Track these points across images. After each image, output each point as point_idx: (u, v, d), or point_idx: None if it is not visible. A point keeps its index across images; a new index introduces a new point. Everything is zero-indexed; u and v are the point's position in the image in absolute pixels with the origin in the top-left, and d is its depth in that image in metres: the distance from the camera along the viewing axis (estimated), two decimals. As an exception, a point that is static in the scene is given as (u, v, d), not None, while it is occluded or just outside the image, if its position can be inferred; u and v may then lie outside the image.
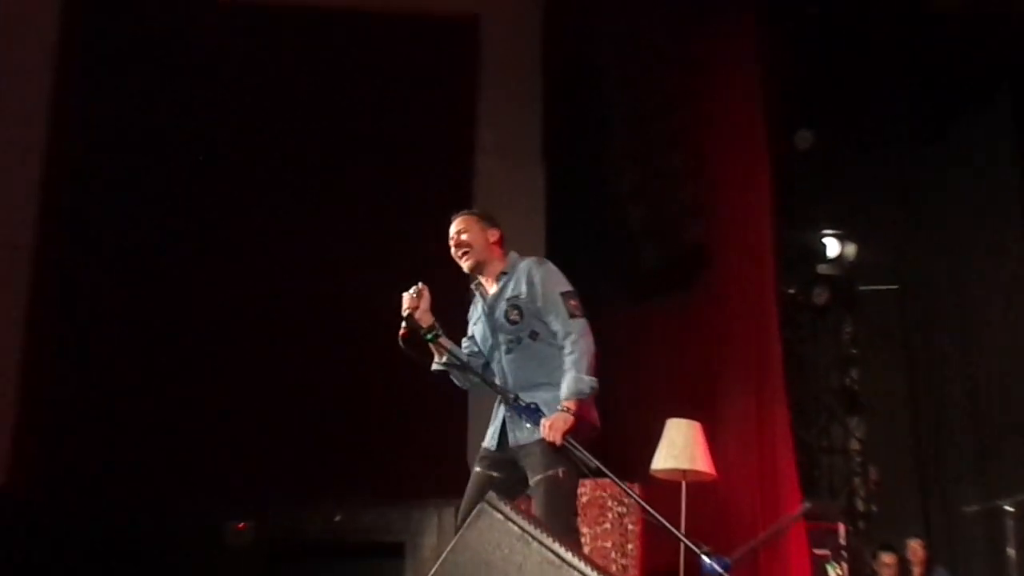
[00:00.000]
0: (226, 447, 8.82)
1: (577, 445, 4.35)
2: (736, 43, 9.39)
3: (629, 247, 9.67)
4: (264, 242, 9.35)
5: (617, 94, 9.81)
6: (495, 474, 4.62)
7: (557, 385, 4.52)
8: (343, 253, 9.28)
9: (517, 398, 4.50)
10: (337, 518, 8.68)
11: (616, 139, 9.78)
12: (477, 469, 4.69)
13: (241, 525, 8.55)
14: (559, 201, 9.85)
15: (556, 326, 4.59)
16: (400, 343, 4.50)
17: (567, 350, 4.54)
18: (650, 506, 6.94)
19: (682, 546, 6.81)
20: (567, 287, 4.68)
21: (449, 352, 4.69)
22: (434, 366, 4.74)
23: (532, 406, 4.47)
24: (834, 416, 10.60)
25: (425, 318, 4.62)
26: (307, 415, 9.03)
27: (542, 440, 4.43)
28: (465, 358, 4.79)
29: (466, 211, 4.94)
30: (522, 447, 4.58)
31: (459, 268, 4.88)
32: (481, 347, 4.83)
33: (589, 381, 4.48)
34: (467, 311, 4.99)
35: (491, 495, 3.80)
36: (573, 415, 4.41)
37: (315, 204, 9.47)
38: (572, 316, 4.58)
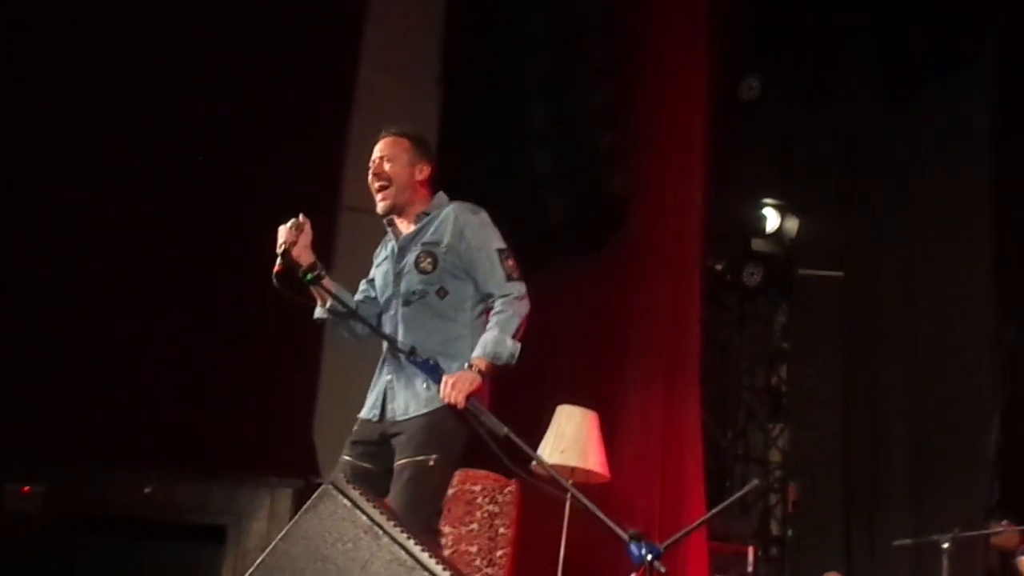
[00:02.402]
0: (15, 397, 8.60)
1: (483, 409, 4.34)
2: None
3: (532, 196, 9.61)
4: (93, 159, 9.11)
5: (534, 14, 9.73)
6: (367, 465, 4.56)
7: (452, 357, 4.53)
8: (187, 174, 9.08)
9: (414, 351, 4.48)
10: (147, 490, 8.52)
11: (529, 68, 9.71)
12: (345, 457, 4.62)
13: (26, 488, 8.37)
14: (454, 134, 9.73)
15: (489, 288, 4.61)
16: (274, 280, 4.42)
17: (498, 308, 4.56)
18: (527, 508, 7.02)
19: (561, 558, 6.84)
20: (503, 244, 4.68)
21: (334, 297, 4.63)
22: (317, 312, 4.73)
23: (432, 362, 4.45)
24: (754, 419, 10.73)
25: (304, 256, 4.54)
26: (120, 365, 8.82)
27: (422, 419, 4.44)
28: (354, 304, 4.75)
29: (397, 130, 4.83)
30: (397, 423, 4.55)
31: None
32: (379, 294, 4.79)
33: (512, 347, 4.50)
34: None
35: (338, 476, 3.73)
36: (483, 377, 4.42)
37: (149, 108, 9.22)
38: (510, 279, 4.61)
